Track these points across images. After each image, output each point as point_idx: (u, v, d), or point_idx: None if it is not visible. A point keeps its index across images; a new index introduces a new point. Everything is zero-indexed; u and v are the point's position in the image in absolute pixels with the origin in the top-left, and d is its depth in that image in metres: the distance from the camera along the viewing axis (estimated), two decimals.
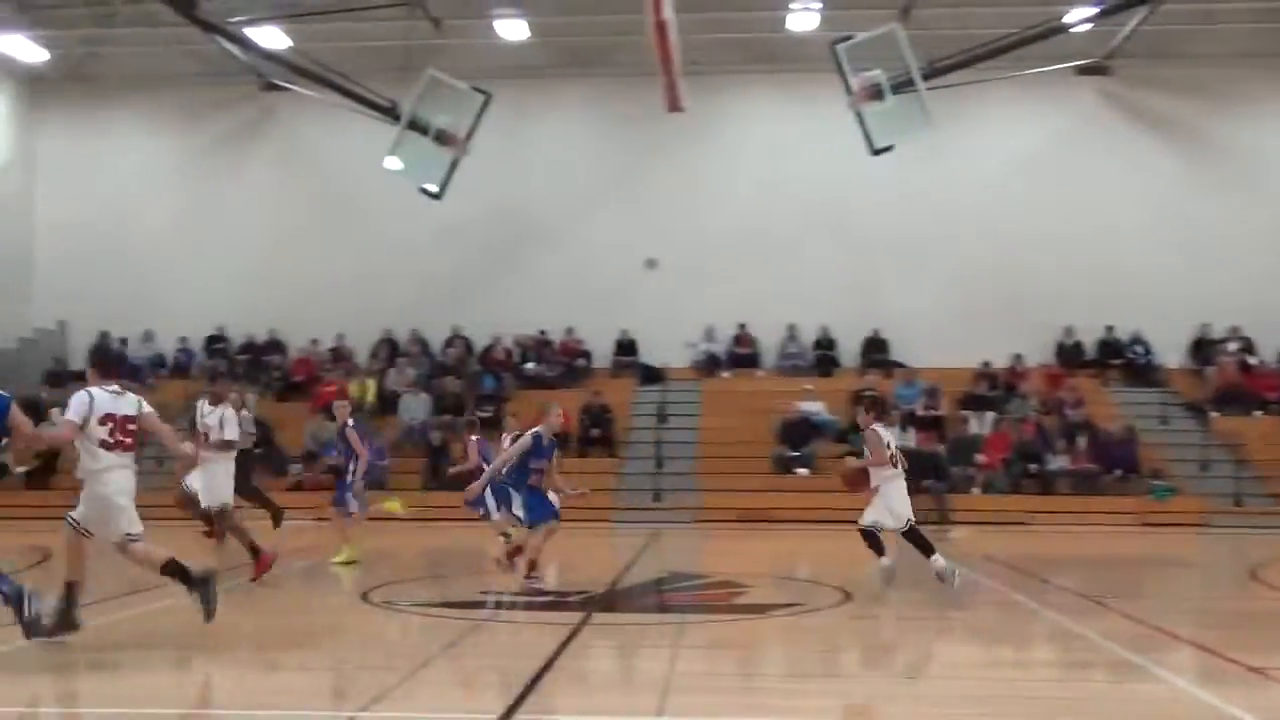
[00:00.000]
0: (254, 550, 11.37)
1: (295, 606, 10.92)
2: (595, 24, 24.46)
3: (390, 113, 21.13)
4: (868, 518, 10.87)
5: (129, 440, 8.06)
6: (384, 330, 25.75)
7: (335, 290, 25.66)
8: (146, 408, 8.23)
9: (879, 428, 11.01)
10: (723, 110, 25.38)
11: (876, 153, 20.76)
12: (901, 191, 24.60)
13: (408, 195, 22.27)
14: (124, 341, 25.89)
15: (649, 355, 25.50)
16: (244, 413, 17.65)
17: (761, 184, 25.43)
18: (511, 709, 6.32)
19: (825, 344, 25.45)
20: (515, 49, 24.90)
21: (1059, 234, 24.66)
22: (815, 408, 22.79)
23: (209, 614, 8.09)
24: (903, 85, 20.22)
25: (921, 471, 20.44)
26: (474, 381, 24.41)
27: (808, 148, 25.05)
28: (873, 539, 10.88)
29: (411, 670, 7.59)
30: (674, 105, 21.51)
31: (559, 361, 25.39)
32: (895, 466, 10.88)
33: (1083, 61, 24.26)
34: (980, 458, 21.48)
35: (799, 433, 22.11)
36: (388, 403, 23.75)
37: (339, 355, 25.54)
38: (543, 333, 25.61)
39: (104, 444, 7.94)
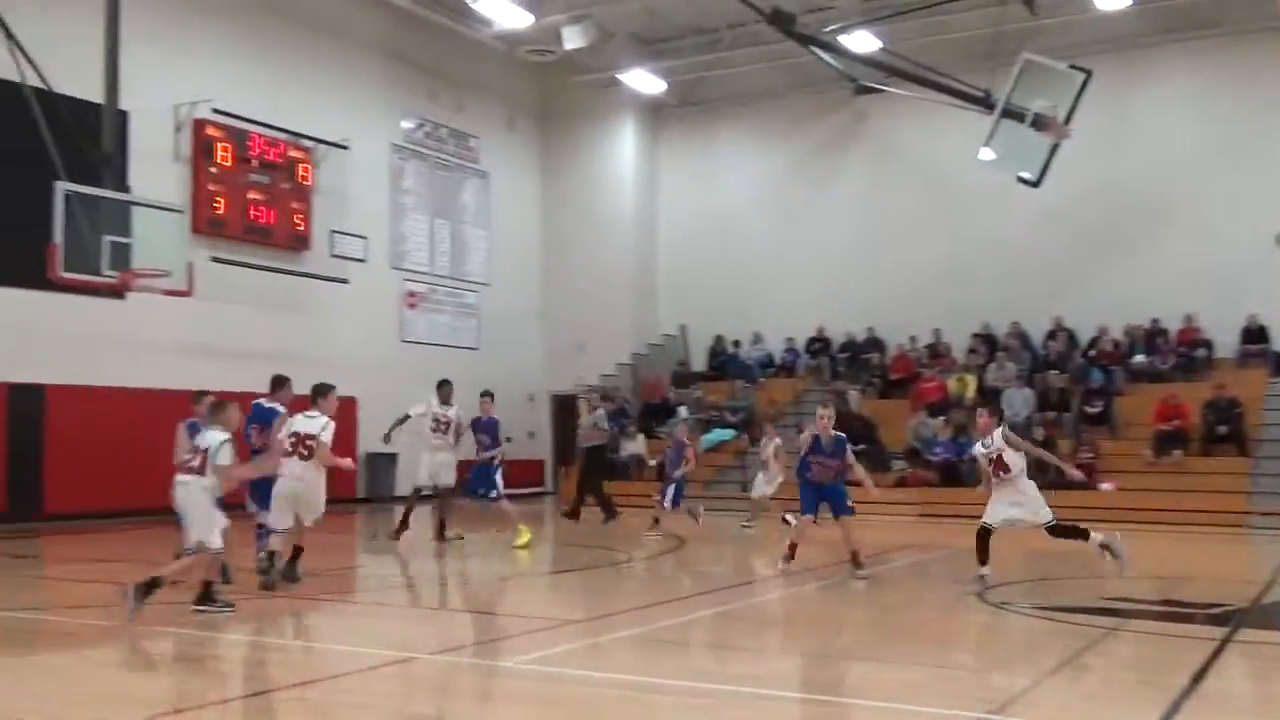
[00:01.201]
0: (404, 525, 14.96)
1: (909, 602, 10.98)
2: None
3: (983, 103, 20.60)
4: (1043, 516, 11.12)
5: (306, 452, 10.46)
6: (981, 324, 25.33)
7: (930, 286, 25.72)
8: (325, 437, 10.48)
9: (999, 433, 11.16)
10: None
11: None
12: None
13: (1001, 185, 21.61)
14: (736, 344, 27.82)
15: None
16: (598, 412, 18.81)
17: None
18: None
19: None
20: (1114, 19, 23.40)
21: None
22: None
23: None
24: None
25: None
26: (1080, 375, 23.27)
27: None
28: (1071, 531, 11.18)
29: (1038, 676, 7.34)
30: None
31: (1174, 352, 23.46)
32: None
33: None
34: None
35: None
36: (988, 398, 23.29)
37: (936, 352, 25.52)
38: (1156, 321, 23.82)
39: (285, 453, 10.47)
